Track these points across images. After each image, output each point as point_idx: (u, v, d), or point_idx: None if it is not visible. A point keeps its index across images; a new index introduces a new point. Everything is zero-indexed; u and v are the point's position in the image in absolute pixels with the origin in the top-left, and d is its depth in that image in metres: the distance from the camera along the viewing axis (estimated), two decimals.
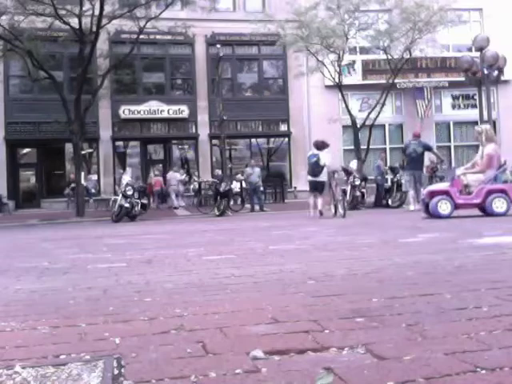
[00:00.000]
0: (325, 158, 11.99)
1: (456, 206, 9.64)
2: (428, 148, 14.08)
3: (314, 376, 1.49)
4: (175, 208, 21.35)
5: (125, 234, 10.00)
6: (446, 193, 9.70)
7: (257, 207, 18.60)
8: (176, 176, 22.62)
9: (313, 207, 12.20)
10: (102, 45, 20.71)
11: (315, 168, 12.05)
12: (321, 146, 12.25)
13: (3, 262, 5.44)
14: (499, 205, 9.49)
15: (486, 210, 9.58)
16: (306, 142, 25.05)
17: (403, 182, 15.44)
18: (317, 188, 12.14)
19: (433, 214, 9.57)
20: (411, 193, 13.48)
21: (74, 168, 20.64)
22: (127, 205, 15.38)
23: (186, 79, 25.95)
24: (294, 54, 22.30)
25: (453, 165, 16.84)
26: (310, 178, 12.30)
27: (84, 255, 5.81)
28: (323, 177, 12.06)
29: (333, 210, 12.07)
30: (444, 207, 9.55)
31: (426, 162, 14.40)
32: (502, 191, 9.72)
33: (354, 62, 24.37)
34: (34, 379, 1.59)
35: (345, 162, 20.80)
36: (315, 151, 12.29)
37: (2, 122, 23.17)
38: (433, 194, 9.83)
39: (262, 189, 20.48)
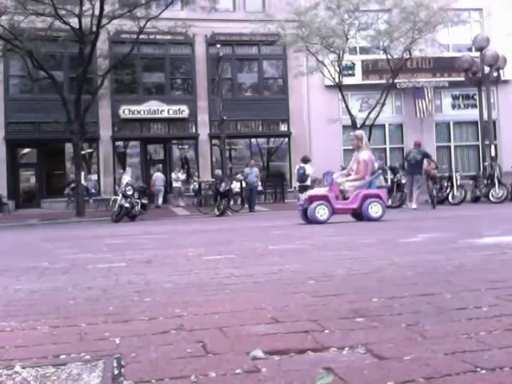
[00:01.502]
0: (309, 169, 15.95)
1: (334, 211, 9.65)
2: (426, 156, 15.82)
3: (314, 376, 1.49)
4: (157, 207, 21.81)
5: (125, 234, 10.00)
6: (324, 198, 9.69)
7: (256, 207, 18.66)
8: (161, 176, 22.96)
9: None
10: (102, 45, 20.71)
11: (303, 176, 16.04)
12: (307, 160, 16.44)
13: (3, 262, 5.44)
14: (375, 209, 9.59)
15: (362, 215, 9.61)
16: (305, 142, 25.08)
17: (403, 181, 16.13)
18: (305, 189, 14.45)
19: (311, 220, 9.51)
20: (410, 193, 15.24)
21: (74, 168, 20.64)
22: (127, 205, 15.39)
23: (185, 79, 25.94)
24: (294, 54, 22.31)
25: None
26: (298, 184, 15.95)
27: (84, 255, 5.81)
28: (308, 182, 15.87)
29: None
30: (322, 212, 9.54)
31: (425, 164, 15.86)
32: (377, 196, 9.82)
33: (353, 64, 24.34)
34: (34, 379, 1.59)
35: (345, 162, 20.80)
36: (302, 164, 16.17)
37: (2, 121, 23.17)
38: (312, 199, 9.78)
39: (260, 189, 20.53)
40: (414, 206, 14.72)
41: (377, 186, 10.25)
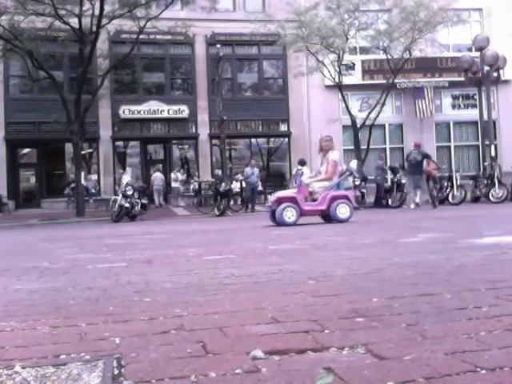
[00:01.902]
0: (306, 172, 15.89)
1: (302, 213, 9.62)
2: (427, 156, 16.36)
3: (314, 376, 1.49)
4: (159, 206, 22.02)
5: (125, 234, 10.01)
6: (292, 199, 9.66)
7: (250, 206, 18.68)
8: (160, 176, 23.05)
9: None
10: (102, 45, 20.71)
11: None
12: (303, 162, 16.80)
13: (3, 262, 5.44)
14: (343, 211, 9.59)
15: (330, 217, 9.60)
16: (305, 142, 25.05)
17: (403, 181, 16.40)
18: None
19: (278, 222, 9.47)
20: (412, 194, 15.80)
21: (74, 168, 20.64)
22: (127, 205, 15.39)
23: (185, 79, 25.94)
24: (294, 54, 22.30)
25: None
26: (295, 185, 16.54)
27: (84, 255, 5.81)
28: None
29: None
30: (289, 214, 9.50)
31: (425, 165, 16.40)
32: (345, 197, 9.84)
33: (353, 64, 24.33)
34: (34, 379, 1.59)
35: (345, 162, 20.80)
36: (299, 167, 16.27)
37: (2, 121, 23.16)
38: (280, 201, 9.74)
39: (260, 189, 20.58)
40: (416, 202, 15.56)
41: (345, 188, 10.23)
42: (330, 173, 9.90)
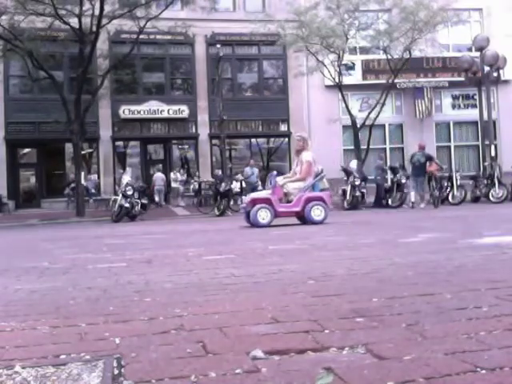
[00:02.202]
0: None
1: (276, 215, 9.59)
2: (430, 158, 16.91)
3: (314, 376, 1.49)
4: (160, 206, 22.06)
5: (125, 234, 10.00)
6: (266, 201, 9.62)
7: None
8: (161, 176, 23.09)
9: None
10: (102, 45, 20.70)
11: None
12: None
13: (3, 262, 5.44)
14: (317, 213, 9.53)
15: (305, 218, 9.56)
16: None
17: (403, 181, 16.58)
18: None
19: (252, 223, 9.44)
20: (413, 193, 16.34)
21: (73, 168, 20.63)
22: (127, 205, 15.39)
23: (185, 79, 25.93)
24: (294, 54, 22.29)
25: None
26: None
27: (84, 255, 5.81)
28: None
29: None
30: (263, 215, 9.47)
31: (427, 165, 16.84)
32: (320, 199, 9.76)
33: (353, 64, 24.31)
34: (34, 379, 1.59)
35: (345, 162, 20.81)
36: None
37: (2, 121, 23.16)
38: (255, 202, 9.69)
39: (260, 189, 20.59)
40: (421, 205, 16.08)
41: (320, 189, 10.17)
42: (305, 174, 9.79)
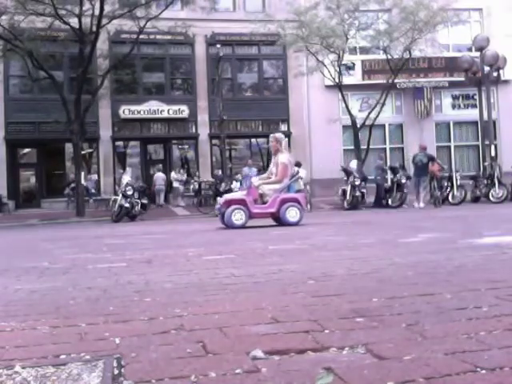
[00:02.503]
0: (302, 172, 17.09)
1: (251, 216, 9.57)
2: (432, 158, 17.36)
3: (314, 376, 1.49)
4: (160, 206, 22.06)
5: (125, 234, 10.00)
6: (241, 202, 9.60)
7: None
8: (162, 176, 23.10)
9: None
10: (102, 45, 20.71)
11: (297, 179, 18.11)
12: (299, 164, 17.44)
13: (3, 262, 5.44)
14: (293, 214, 9.51)
15: (280, 220, 9.53)
16: (305, 142, 25.07)
17: (403, 181, 16.70)
18: (298, 190, 16.49)
19: (227, 224, 9.42)
20: (422, 194, 16.66)
21: (74, 168, 20.64)
22: (127, 205, 15.40)
23: (185, 79, 25.93)
24: (294, 54, 22.29)
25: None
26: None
27: (84, 255, 5.81)
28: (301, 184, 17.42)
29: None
30: (238, 217, 9.44)
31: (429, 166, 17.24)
32: (295, 200, 9.74)
33: (353, 64, 24.29)
34: (34, 379, 1.59)
35: (345, 162, 20.81)
36: (295, 168, 17.24)
37: (2, 122, 23.15)
38: (229, 203, 9.67)
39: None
40: (421, 205, 16.31)
41: (295, 190, 10.13)
42: (280, 175, 9.73)
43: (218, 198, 11.33)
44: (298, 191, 10.20)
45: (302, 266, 3.95)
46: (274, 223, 9.79)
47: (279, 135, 10.31)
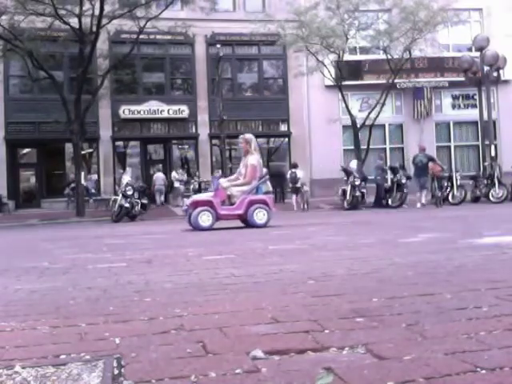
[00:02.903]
0: (299, 173, 18.76)
1: (218, 217, 9.48)
2: (431, 159, 17.85)
3: (314, 376, 1.49)
4: (162, 204, 22.24)
5: (125, 234, 10.00)
6: (208, 203, 9.50)
7: None
8: (162, 176, 23.11)
9: (297, 204, 18.28)
10: (102, 45, 20.71)
11: (295, 179, 18.73)
12: (296, 165, 19.45)
13: (3, 262, 5.44)
14: (260, 216, 9.45)
15: (247, 221, 9.47)
16: (305, 142, 25.07)
17: (403, 181, 16.75)
18: (296, 190, 18.46)
19: (193, 226, 9.34)
20: (418, 194, 17.05)
21: (73, 168, 20.64)
22: (127, 205, 15.39)
23: (185, 79, 25.94)
24: (294, 54, 22.29)
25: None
26: (291, 185, 19.06)
27: (84, 255, 5.81)
28: (298, 184, 18.47)
29: None
30: (205, 218, 9.34)
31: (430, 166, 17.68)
32: (263, 202, 9.64)
33: (353, 64, 24.24)
34: (34, 379, 1.59)
35: (345, 162, 20.81)
36: (293, 169, 19.20)
37: (2, 122, 23.16)
38: (197, 204, 9.58)
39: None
40: (423, 202, 16.78)
41: (264, 192, 10.04)
42: (249, 177, 9.66)
43: (185, 199, 11.26)
44: (267, 193, 10.08)
45: (301, 266, 3.95)
46: (242, 225, 9.68)
47: (249, 136, 10.26)
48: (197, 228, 9.25)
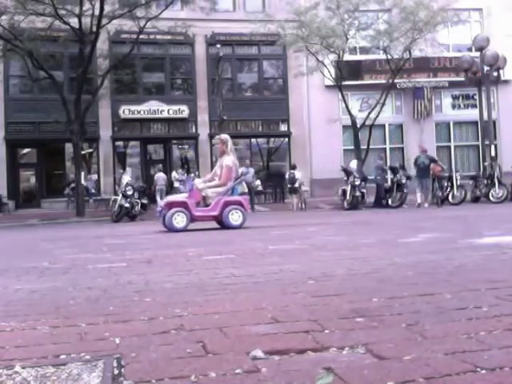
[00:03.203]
0: (298, 174, 18.93)
1: (193, 219, 9.38)
2: (433, 160, 17.94)
3: (314, 376, 1.49)
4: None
5: (125, 233, 10.00)
6: (183, 204, 9.39)
7: (256, 207, 18.92)
8: (163, 176, 23.07)
9: (294, 203, 18.67)
10: (102, 45, 20.71)
11: (293, 180, 18.84)
12: (295, 166, 19.65)
13: (3, 262, 5.44)
14: (235, 217, 9.35)
15: (223, 223, 9.38)
16: (305, 142, 25.07)
17: (403, 181, 16.86)
18: (295, 190, 18.75)
19: (168, 227, 9.23)
20: (419, 194, 17.28)
21: (74, 168, 20.64)
22: (127, 205, 15.39)
23: (185, 79, 25.93)
24: (294, 54, 22.29)
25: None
26: (289, 185, 19.20)
27: (84, 255, 5.81)
28: (296, 184, 18.63)
29: None
30: (179, 219, 9.23)
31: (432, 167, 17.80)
32: (239, 203, 9.55)
33: (353, 64, 24.24)
34: (34, 379, 1.59)
35: (345, 162, 20.81)
36: (291, 170, 19.45)
37: (2, 122, 23.15)
38: (171, 206, 9.47)
39: (260, 189, 20.87)
40: (425, 205, 16.83)
41: (239, 193, 9.95)
42: (225, 178, 9.53)
43: (159, 200, 11.09)
44: (242, 194, 10.00)
45: (301, 266, 3.95)
46: (217, 226, 9.59)
47: (225, 136, 10.08)
48: (171, 229, 9.11)
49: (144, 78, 25.05)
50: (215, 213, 9.42)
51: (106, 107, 23.36)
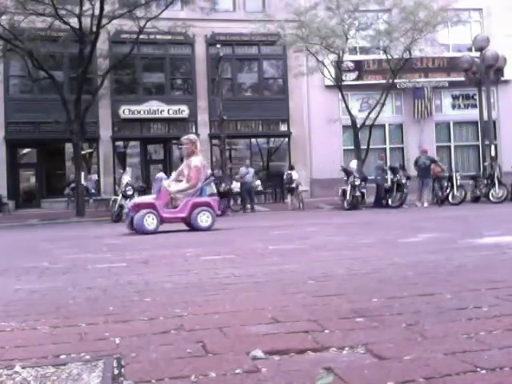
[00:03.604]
0: (295, 175, 19.36)
1: (162, 220, 9.19)
2: (434, 161, 18.23)
3: (314, 376, 1.49)
4: None
5: (125, 234, 9.98)
6: (151, 206, 9.15)
7: (249, 206, 18.90)
8: (164, 176, 22.97)
9: (290, 203, 19.18)
10: (102, 45, 20.70)
11: (290, 180, 19.19)
12: (292, 167, 20.30)
13: (3, 262, 5.44)
14: (204, 219, 9.15)
15: (191, 225, 9.21)
16: (305, 142, 25.07)
17: (403, 181, 16.85)
18: (292, 190, 19.11)
19: (137, 229, 9.01)
20: (424, 193, 17.57)
21: (74, 168, 20.64)
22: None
23: (185, 79, 25.93)
24: (294, 54, 22.29)
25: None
26: (287, 185, 19.50)
27: (84, 255, 5.80)
28: (293, 185, 19.02)
29: None
30: (150, 221, 9.03)
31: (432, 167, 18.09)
32: (207, 205, 9.34)
33: (353, 64, 24.25)
34: (34, 379, 1.59)
35: (345, 163, 20.81)
36: (289, 171, 19.95)
37: (2, 122, 23.14)
38: (138, 207, 9.28)
39: (260, 188, 20.89)
40: (425, 205, 17.12)
41: (208, 194, 9.82)
42: (194, 179, 9.34)
43: (126, 202, 10.88)
44: (211, 195, 9.87)
45: (302, 266, 3.95)
46: (186, 228, 9.43)
47: (194, 137, 9.95)
48: (141, 231, 8.90)
49: (144, 78, 25.05)
50: (183, 214, 9.22)
51: (105, 107, 23.36)
